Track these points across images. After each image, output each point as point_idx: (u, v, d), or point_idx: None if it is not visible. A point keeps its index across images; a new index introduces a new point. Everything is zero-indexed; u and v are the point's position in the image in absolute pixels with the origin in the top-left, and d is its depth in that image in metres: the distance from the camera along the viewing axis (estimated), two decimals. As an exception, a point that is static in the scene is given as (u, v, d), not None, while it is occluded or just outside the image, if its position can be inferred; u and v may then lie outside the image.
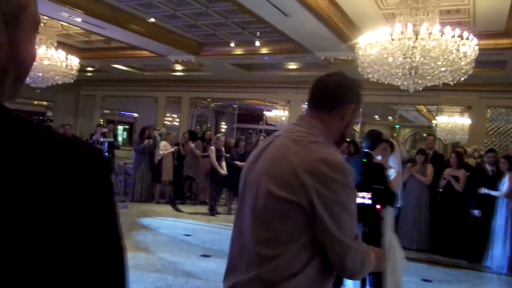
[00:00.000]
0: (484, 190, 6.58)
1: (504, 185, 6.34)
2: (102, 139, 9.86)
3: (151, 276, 4.89)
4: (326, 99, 1.62)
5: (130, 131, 16.59)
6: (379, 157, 4.55)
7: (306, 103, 1.73)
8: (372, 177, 4.17)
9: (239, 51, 10.13)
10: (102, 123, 14.40)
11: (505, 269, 6.28)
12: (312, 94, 1.67)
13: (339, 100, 1.61)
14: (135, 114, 16.52)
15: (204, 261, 5.71)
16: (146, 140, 10.18)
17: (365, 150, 4.36)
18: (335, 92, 1.63)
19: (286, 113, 13.72)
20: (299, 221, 1.42)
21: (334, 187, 1.40)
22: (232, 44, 9.83)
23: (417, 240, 7.40)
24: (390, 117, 14.90)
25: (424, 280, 5.68)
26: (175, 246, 6.42)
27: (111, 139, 10.07)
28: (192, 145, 10.20)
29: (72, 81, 9.84)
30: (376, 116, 16.47)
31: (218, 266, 5.47)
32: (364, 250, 1.50)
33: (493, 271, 6.41)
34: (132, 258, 5.52)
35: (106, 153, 9.27)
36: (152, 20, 8.73)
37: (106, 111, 16.47)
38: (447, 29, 5.58)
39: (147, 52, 10.77)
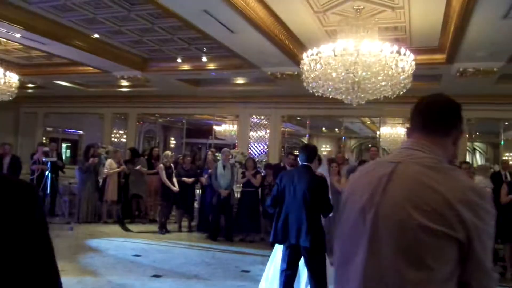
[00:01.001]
0: None
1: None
2: (44, 159, 9.46)
3: (99, 300, 4.73)
4: (443, 123, 1.56)
5: (75, 149, 16.02)
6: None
7: (412, 126, 1.62)
8: (317, 188, 4.32)
9: (186, 67, 10.11)
10: (45, 141, 13.85)
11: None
12: (424, 117, 1.59)
13: (455, 123, 1.57)
14: (80, 132, 16.00)
15: (155, 282, 5.58)
16: (91, 159, 9.88)
17: (304, 163, 4.48)
18: (450, 116, 1.57)
19: (235, 127, 13.77)
20: (453, 258, 1.33)
21: (485, 218, 1.34)
22: (179, 60, 9.80)
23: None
24: (336, 129, 15.30)
25: None
26: (125, 268, 6.24)
27: (54, 159, 9.69)
28: (138, 166, 10.00)
29: (11, 98, 9.44)
30: (323, 128, 16.88)
31: (169, 285, 5.37)
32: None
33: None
34: (79, 282, 5.32)
35: (49, 173, 8.90)
36: (96, 36, 8.56)
37: (49, 129, 15.87)
38: (386, 45, 5.85)
39: (91, 68, 10.53)
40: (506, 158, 10.96)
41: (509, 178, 8.31)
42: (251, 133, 13.09)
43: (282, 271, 4.36)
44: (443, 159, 1.50)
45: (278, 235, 4.35)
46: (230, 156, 9.52)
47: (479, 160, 15.23)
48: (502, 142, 11.74)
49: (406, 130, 1.69)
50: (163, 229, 9.06)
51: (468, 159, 12.79)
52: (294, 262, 4.36)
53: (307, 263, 4.31)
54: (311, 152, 4.58)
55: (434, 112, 1.58)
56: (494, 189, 7.71)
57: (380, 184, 1.47)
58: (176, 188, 9.05)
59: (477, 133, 12.47)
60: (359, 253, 1.46)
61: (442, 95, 1.63)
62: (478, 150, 15.48)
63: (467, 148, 12.16)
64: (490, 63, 7.92)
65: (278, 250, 4.70)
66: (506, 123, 11.60)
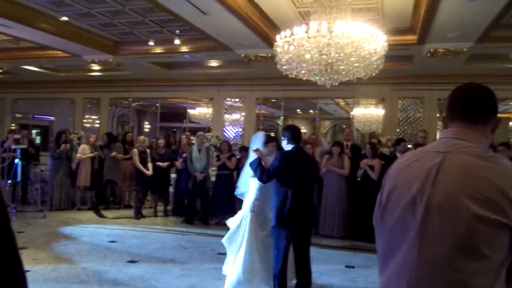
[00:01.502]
0: None
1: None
2: (14, 146, 9.22)
3: (75, 288, 4.69)
4: (483, 112, 1.58)
5: (46, 136, 15.65)
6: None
7: (450, 115, 1.65)
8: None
9: (158, 50, 9.94)
10: (14, 128, 13.50)
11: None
12: (464, 107, 1.59)
13: (493, 112, 1.60)
14: (51, 117, 15.62)
15: (131, 267, 5.56)
16: (63, 145, 9.67)
17: (297, 144, 4.45)
18: (489, 105, 1.59)
19: (210, 110, 13.68)
20: (506, 245, 1.36)
21: None
22: (151, 43, 9.62)
23: (338, 228, 7.75)
24: (311, 111, 15.37)
25: (348, 266, 5.95)
26: (100, 254, 6.18)
27: (25, 146, 9.45)
28: (113, 153, 9.85)
29: (-24, 84, 9.14)
30: (298, 110, 16.95)
31: (145, 271, 5.36)
32: None
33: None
34: (53, 270, 5.25)
35: (20, 161, 8.68)
36: (65, 18, 8.31)
37: (18, 115, 15.45)
38: (359, 26, 5.87)
39: (60, 52, 10.25)
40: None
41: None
42: (226, 116, 13.04)
43: (280, 271, 4.24)
44: (486, 148, 1.53)
45: (290, 219, 4.20)
46: (205, 140, 9.47)
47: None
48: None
49: (442, 119, 1.67)
50: (139, 215, 9.00)
51: (438, 138, 13.08)
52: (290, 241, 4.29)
53: (306, 244, 4.33)
54: (297, 132, 4.51)
55: (473, 101, 1.59)
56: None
57: (430, 175, 1.48)
58: (149, 172, 8.97)
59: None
60: (408, 243, 1.47)
61: (477, 84, 1.63)
62: (448, 130, 15.80)
63: (438, 127, 12.40)
64: (459, 44, 8.05)
65: (251, 239, 4.67)
66: (476, 102, 11.85)
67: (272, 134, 14.33)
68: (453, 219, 1.38)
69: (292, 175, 4.25)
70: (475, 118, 1.57)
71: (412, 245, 1.46)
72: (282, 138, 4.53)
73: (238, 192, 5.22)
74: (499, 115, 1.59)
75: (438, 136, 12.33)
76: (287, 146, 4.44)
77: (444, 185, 1.44)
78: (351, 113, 13.23)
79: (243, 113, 12.87)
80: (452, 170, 1.45)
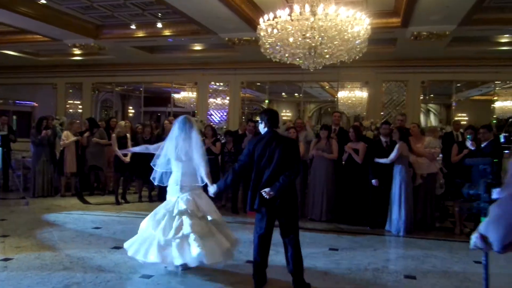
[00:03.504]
0: (376, 160, 7.11)
1: (393, 153, 6.90)
2: (-6, 133, 9.07)
3: (58, 275, 4.65)
4: None
5: (28, 121, 15.39)
6: None
7: None
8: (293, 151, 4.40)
9: (141, 33, 9.81)
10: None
11: (401, 232, 6.87)
12: None
13: None
14: (33, 103, 15.35)
15: (115, 253, 5.54)
16: (44, 131, 9.53)
17: (272, 128, 4.45)
18: None
19: (195, 94, 13.59)
20: None
21: None
22: (133, 26, 9.47)
23: (325, 212, 7.81)
24: (296, 94, 15.37)
25: (332, 249, 6.02)
26: (84, 241, 6.15)
27: (5, 132, 9.30)
28: (86, 134, 9.73)
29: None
30: (283, 93, 16.93)
31: (130, 257, 5.34)
32: None
33: (392, 234, 6.97)
34: (37, 258, 5.21)
35: (0, 147, 8.55)
36: (43, 1, 8.12)
37: (-2, 101, 15.19)
38: (342, 9, 5.84)
39: (40, 36, 10.05)
40: (458, 118, 11.36)
41: (460, 138, 8.64)
42: (211, 100, 12.98)
43: (260, 235, 4.35)
44: None
45: (261, 201, 4.29)
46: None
47: (433, 120, 15.75)
48: (454, 103, 12.18)
49: None
50: (118, 201, 8.96)
51: (422, 120, 13.22)
52: (272, 224, 4.39)
53: (287, 229, 4.36)
54: (275, 116, 4.54)
55: None
56: (445, 149, 8.02)
57: None
58: (127, 159, 8.84)
59: (431, 95, 12.82)
60: None
61: None
62: (432, 111, 15.98)
63: (422, 109, 12.51)
64: (442, 26, 8.08)
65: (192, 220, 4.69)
66: (458, 84, 11.98)
67: (257, 118, 14.33)
68: None
69: (258, 158, 4.34)
70: None
71: None
72: (260, 121, 4.58)
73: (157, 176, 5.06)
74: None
75: (421, 118, 12.46)
76: (263, 129, 4.50)
77: None
78: (336, 96, 13.24)
79: (228, 97, 12.80)
80: None
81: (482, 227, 1.86)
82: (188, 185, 4.84)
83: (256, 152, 4.37)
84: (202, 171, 4.81)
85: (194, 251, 4.47)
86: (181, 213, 4.72)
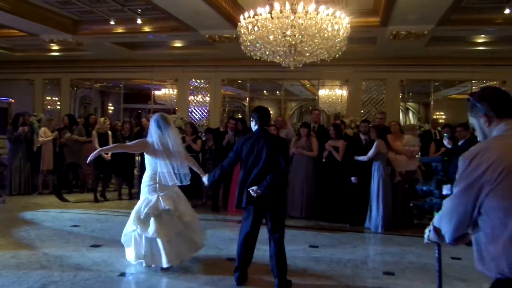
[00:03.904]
0: (356, 157, 7.20)
1: (371, 151, 6.99)
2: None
3: (35, 274, 4.57)
4: None
5: (4, 118, 15.05)
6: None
7: (501, 111, 1.88)
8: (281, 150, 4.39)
9: (120, 29, 9.69)
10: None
11: (380, 228, 6.96)
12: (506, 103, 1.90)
13: None
14: (10, 99, 15.00)
15: (94, 252, 5.48)
16: (21, 128, 9.35)
17: (261, 126, 4.47)
18: None
19: (175, 91, 13.49)
20: None
21: None
22: (112, 22, 9.35)
23: (305, 209, 7.85)
24: (277, 92, 15.39)
25: (312, 246, 6.06)
26: (62, 239, 6.06)
27: (-20, 129, 9.09)
28: (68, 134, 9.59)
29: None
30: (264, 91, 16.94)
31: (109, 255, 5.30)
32: None
33: (371, 231, 7.06)
34: (13, 257, 5.12)
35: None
36: (19, -5, 7.96)
37: (-28, 97, 14.79)
38: (322, 8, 5.87)
39: (16, 31, 9.84)
40: (436, 117, 11.54)
41: (437, 136, 8.79)
42: (191, 97, 12.90)
43: (246, 234, 4.37)
44: None
45: (248, 199, 4.31)
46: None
47: (411, 119, 15.96)
48: (432, 102, 12.38)
49: (488, 115, 1.92)
50: (97, 199, 8.88)
51: (401, 118, 13.39)
52: (259, 223, 4.42)
53: (274, 227, 4.38)
54: (266, 114, 4.54)
55: (507, 99, 1.91)
56: (424, 147, 8.15)
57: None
58: (108, 156, 8.75)
59: (410, 94, 13.00)
60: None
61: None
62: (411, 110, 16.19)
63: (401, 108, 12.67)
64: (421, 26, 8.20)
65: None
66: (436, 83, 12.18)
67: (239, 116, 14.31)
68: None
69: (246, 157, 4.37)
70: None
71: None
72: (251, 119, 4.58)
73: None
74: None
75: (400, 116, 12.61)
76: (254, 127, 4.51)
77: None
78: (318, 95, 13.30)
79: (209, 94, 12.75)
80: None
81: (435, 220, 2.00)
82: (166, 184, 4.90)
83: (244, 150, 4.39)
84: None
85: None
86: (162, 212, 4.75)
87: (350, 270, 5.06)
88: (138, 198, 5.17)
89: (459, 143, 6.97)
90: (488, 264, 1.75)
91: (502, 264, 1.70)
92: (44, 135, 9.59)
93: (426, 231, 2.12)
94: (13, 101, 14.72)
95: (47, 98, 14.09)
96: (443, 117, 13.41)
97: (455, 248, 4.99)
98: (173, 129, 4.96)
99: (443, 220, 1.91)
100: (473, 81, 11.86)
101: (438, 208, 2.15)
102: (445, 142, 7.22)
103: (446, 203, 1.88)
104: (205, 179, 4.81)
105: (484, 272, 1.79)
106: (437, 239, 2.00)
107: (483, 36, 9.76)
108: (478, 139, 2.03)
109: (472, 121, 2.01)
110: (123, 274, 4.70)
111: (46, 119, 10.43)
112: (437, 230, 1.98)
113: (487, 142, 1.86)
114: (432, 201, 2.39)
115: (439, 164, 2.46)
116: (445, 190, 2.34)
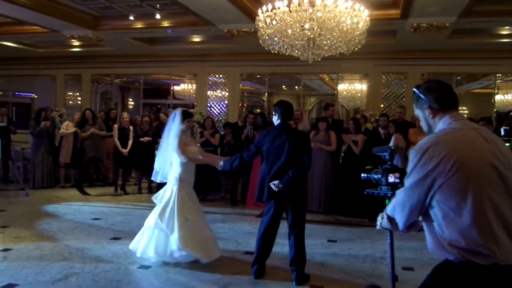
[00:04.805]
0: (373, 151, 7.10)
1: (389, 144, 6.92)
2: (-7, 124, 9.07)
3: (57, 265, 4.67)
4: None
5: (27, 113, 15.38)
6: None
7: (446, 104, 1.97)
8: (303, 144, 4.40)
9: (139, 25, 9.76)
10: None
11: (400, 224, 6.88)
12: (455, 97, 2.01)
13: None
14: (33, 95, 15.31)
15: (114, 245, 5.57)
16: (43, 122, 9.54)
17: (284, 121, 4.46)
18: None
19: (194, 86, 13.55)
20: None
21: None
22: (131, 17, 9.42)
23: (323, 204, 7.82)
24: (296, 87, 15.32)
25: (330, 240, 6.04)
26: (83, 232, 6.17)
27: (4, 124, 9.31)
28: (92, 129, 9.77)
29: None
30: (283, 86, 16.88)
31: (129, 248, 5.37)
32: None
33: (390, 226, 6.98)
34: (36, 248, 5.24)
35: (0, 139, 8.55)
36: (40, -8, 8.08)
37: (-3, 93, 15.14)
38: (340, 0, 5.82)
39: (39, 28, 10.00)
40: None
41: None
42: (210, 92, 12.94)
43: (266, 227, 4.37)
44: None
45: (269, 193, 4.31)
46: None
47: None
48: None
49: (433, 108, 1.98)
50: (117, 191, 9.02)
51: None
52: (279, 217, 4.43)
53: (295, 222, 4.38)
54: (289, 108, 4.51)
55: (454, 93, 2.03)
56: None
57: (491, 146, 1.84)
58: (125, 151, 8.88)
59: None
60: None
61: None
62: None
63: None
64: (442, 18, 8.03)
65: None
66: (459, 77, 11.94)
67: (258, 110, 14.30)
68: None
69: (267, 151, 4.36)
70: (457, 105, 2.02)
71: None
72: (273, 113, 4.57)
73: (156, 176, 5.30)
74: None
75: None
76: (276, 121, 4.49)
77: (506, 155, 1.86)
78: (337, 89, 13.19)
79: (227, 89, 12.77)
80: (496, 141, 1.89)
81: (388, 209, 2.07)
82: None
83: (266, 144, 4.38)
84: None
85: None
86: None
87: (368, 265, 5.03)
88: (157, 192, 5.25)
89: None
90: (446, 248, 1.82)
91: (460, 246, 1.76)
92: (66, 128, 9.77)
93: (379, 218, 2.21)
94: (35, 96, 15.02)
95: (69, 93, 14.30)
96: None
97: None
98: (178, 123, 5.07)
99: (396, 210, 1.98)
100: (497, 75, 11.60)
101: (390, 197, 2.35)
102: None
103: (399, 194, 1.95)
104: (221, 163, 4.75)
105: (444, 256, 1.88)
106: (390, 226, 2.07)
107: (507, 27, 9.52)
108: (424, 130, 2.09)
109: (417, 112, 2.07)
110: (142, 267, 4.76)
111: (66, 114, 10.62)
112: (390, 219, 2.05)
113: (437, 136, 1.89)
114: (382, 189, 2.50)
115: (387, 154, 2.55)
116: (390, 178, 2.46)
